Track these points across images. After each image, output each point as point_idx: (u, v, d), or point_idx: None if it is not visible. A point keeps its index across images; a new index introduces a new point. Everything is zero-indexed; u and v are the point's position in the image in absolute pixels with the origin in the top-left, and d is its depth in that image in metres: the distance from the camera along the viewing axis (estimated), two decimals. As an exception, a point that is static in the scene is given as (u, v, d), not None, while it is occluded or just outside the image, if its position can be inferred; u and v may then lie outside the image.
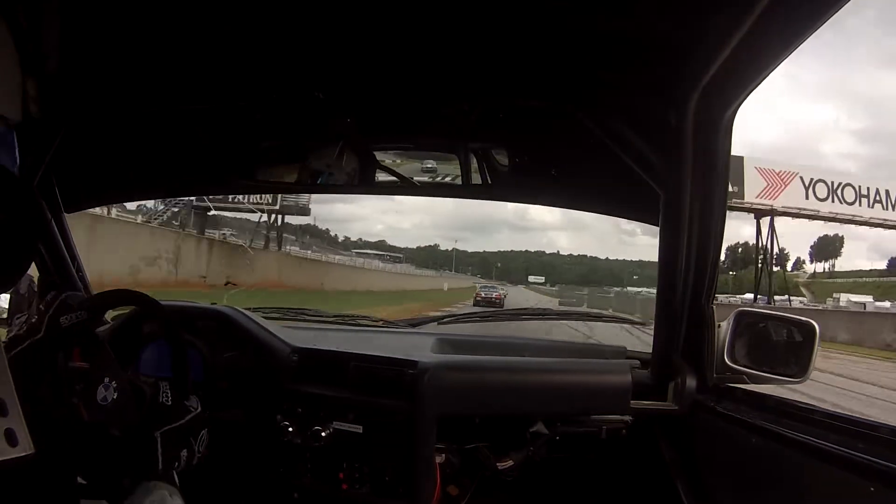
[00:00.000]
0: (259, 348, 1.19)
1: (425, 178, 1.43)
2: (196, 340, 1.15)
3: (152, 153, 1.34)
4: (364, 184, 1.40)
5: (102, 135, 1.24)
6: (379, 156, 1.37)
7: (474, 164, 1.36)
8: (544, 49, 0.89)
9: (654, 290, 1.08)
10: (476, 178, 1.38)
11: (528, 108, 1.11)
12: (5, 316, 1.29)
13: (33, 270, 1.30)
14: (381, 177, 1.39)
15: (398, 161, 1.42)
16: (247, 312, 1.27)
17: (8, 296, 1.29)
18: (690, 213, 0.96)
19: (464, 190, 1.42)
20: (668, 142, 0.92)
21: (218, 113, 1.19)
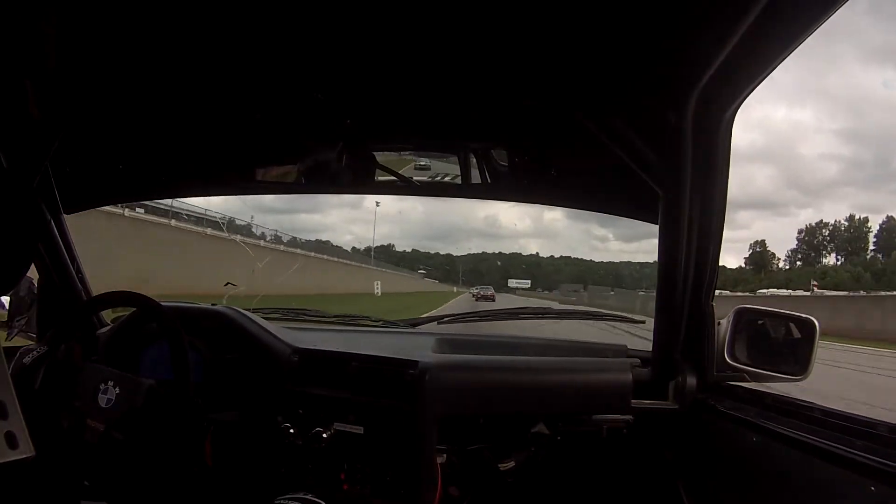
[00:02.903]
0: (260, 349, 1.19)
1: (425, 178, 1.44)
2: (196, 341, 1.15)
3: (152, 154, 1.34)
4: (364, 184, 1.40)
5: (102, 135, 1.24)
6: (379, 156, 1.37)
7: (474, 163, 1.36)
8: (544, 49, 0.89)
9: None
10: (476, 178, 1.38)
11: (528, 108, 1.11)
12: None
13: (33, 272, 1.30)
14: (381, 177, 1.39)
15: (398, 161, 1.42)
16: (247, 313, 1.27)
17: (8, 298, 1.29)
18: (690, 213, 0.97)
19: (463, 189, 1.42)
20: (667, 141, 0.92)
21: (218, 113, 1.19)
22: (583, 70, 0.93)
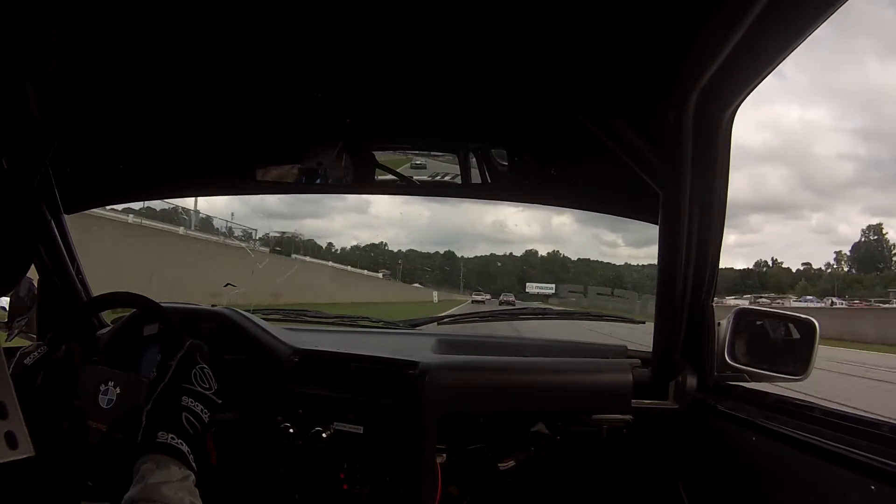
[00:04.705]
0: (260, 350, 1.19)
1: (424, 178, 1.44)
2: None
3: (151, 154, 1.34)
4: (364, 184, 1.41)
5: (102, 136, 1.24)
6: (379, 155, 1.37)
7: (474, 163, 1.36)
8: (544, 49, 0.89)
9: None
10: (476, 178, 1.38)
11: (529, 108, 1.11)
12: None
13: (33, 273, 1.30)
14: (381, 176, 1.39)
15: (398, 160, 1.42)
16: (247, 314, 1.27)
17: (8, 299, 1.28)
18: (690, 212, 0.97)
19: (463, 189, 1.42)
20: (667, 141, 0.93)
21: (218, 113, 1.19)
22: (583, 70, 0.93)
